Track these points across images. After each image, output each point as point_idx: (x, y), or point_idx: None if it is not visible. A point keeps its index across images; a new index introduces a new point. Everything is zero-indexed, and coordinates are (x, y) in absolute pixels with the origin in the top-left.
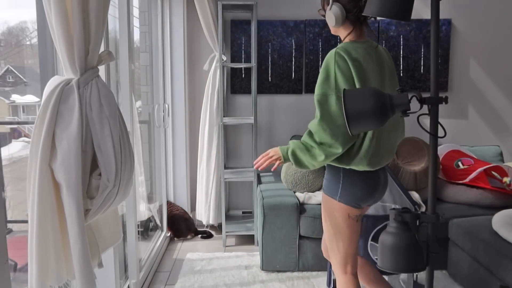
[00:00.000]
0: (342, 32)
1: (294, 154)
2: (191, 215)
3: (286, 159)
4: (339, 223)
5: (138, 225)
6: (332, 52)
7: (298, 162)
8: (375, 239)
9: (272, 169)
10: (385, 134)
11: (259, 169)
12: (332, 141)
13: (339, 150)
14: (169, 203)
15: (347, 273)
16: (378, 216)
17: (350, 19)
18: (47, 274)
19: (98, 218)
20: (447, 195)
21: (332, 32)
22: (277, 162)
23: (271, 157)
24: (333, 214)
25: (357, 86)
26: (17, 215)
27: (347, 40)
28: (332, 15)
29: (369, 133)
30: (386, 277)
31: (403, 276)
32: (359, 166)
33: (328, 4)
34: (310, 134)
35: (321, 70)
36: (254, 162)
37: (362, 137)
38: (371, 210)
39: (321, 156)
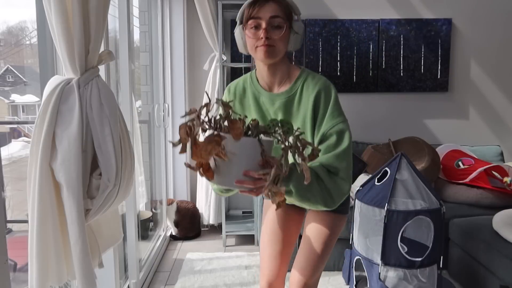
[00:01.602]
0: (285, 56)
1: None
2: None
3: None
4: (336, 237)
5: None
6: (324, 81)
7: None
8: (403, 238)
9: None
10: None
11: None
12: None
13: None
14: (180, 201)
15: None
16: (408, 211)
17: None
18: (47, 274)
19: (98, 218)
20: (447, 195)
21: (278, 55)
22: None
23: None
24: (337, 229)
25: None
26: (17, 215)
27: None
28: (298, 36)
29: None
30: (401, 271)
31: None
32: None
33: (291, 20)
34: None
35: (325, 96)
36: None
37: None
38: (401, 206)
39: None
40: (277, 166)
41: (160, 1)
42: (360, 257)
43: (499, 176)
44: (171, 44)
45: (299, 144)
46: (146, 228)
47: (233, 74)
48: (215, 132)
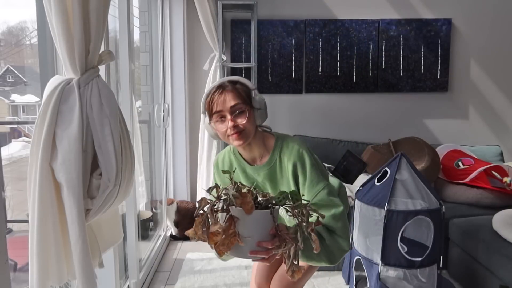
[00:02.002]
0: (257, 131)
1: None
2: None
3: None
4: (311, 273)
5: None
6: (297, 151)
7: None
8: (403, 238)
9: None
10: None
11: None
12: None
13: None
14: (180, 201)
15: None
16: (408, 211)
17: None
18: (47, 274)
19: (98, 218)
20: (447, 195)
21: (250, 136)
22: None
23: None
24: (314, 269)
25: None
26: (17, 215)
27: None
28: (262, 111)
29: None
30: (401, 271)
31: (423, 270)
32: None
33: (251, 98)
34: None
35: (301, 167)
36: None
37: None
38: (401, 206)
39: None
40: (291, 239)
41: (160, 1)
42: (360, 257)
43: (498, 176)
44: (171, 44)
45: (304, 213)
46: (146, 228)
47: (233, 74)
48: (228, 217)
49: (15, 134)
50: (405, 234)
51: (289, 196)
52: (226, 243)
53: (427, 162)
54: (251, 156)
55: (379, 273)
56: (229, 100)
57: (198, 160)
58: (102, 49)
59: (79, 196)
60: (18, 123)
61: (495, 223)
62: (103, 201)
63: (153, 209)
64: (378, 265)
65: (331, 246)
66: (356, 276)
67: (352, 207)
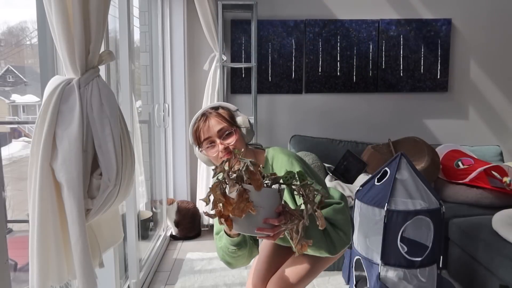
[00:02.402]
0: (247, 148)
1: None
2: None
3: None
4: (317, 273)
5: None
6: (286, 161)
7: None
8: (403, 237)
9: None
10: None
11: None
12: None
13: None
14: (180, 201)
15: None
16: (408, 211)
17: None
18: (48, 274)
19: (99, 218)
20: (447, 194)
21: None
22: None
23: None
24: (321, 268)
25: None
26: (17, 215)
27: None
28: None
29: None
30: (401, 271)
31: (423, 270)
32: None
33: (234, 119)
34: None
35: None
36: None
37: None
38: (401, 206)
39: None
40: (298, 216)
41: (160, 1)
42: (360, 257)
43: (498, 176)
44: (171, 44)
45: (309, 193)
46: (146, 228)
47: (233, 74)
48: (241, 187)
49: (16, 134)
50: (405, 234)
51: (296, 176)
52: (241, 207)
53: (427, 162)
54: None
55: (379, 273)
56: (215, 125)
57: (198, 160)
58: (102, 49)
59: (79, 196)
60: (18, 123)
61: (495, 223)
62: (103, 201)
63: (153, 209)
64: (378, 265)
65: (332, 236)
66: (356, 276)
67: (352, 207)
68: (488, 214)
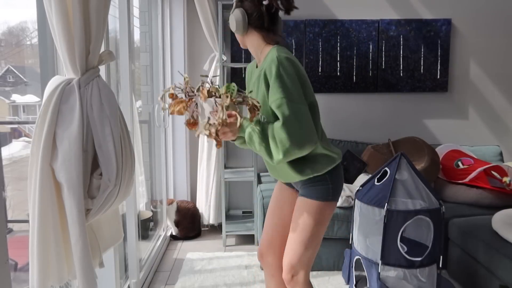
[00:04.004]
0: (249, 41)
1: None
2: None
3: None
4: (323, 224)
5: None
6: (271, 58)
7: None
8: (403, 237)
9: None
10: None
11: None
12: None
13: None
14: (180, 201)
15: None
16: (408, 211)
17: (252, 24)
18: (48, 274)
19: (99, 218)
20: (447, 194)
21: (240, 42)
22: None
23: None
24: (323, 217)
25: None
26: (17, 215)
27: (261, 46)
28: (233, 19)
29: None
30: (401, 271)
31: (423, 270)
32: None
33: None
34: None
35: (269, 73)
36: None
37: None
38: (401, 206)
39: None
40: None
41: (160, 1)
42: (360, 257)
43: (498, 176)
44: (171, 44)
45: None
46: (146, 228)
47: (233, 74)
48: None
49: (16, 134)
50: (405, 234)
51: (232, 88)
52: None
53: (427, 162)
54: (256, 59)
55: (379, 273)
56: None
57: (198, 160)
58: (102, 49)
59: (80, 196)
60: (18, 123)
61: (495, 223)
62: (104, 201)
63: (153, 208)
64: (378, 265)
65: (268, 141)
66: (356, 276)
67: (352, 207)
68: (488, 214)
